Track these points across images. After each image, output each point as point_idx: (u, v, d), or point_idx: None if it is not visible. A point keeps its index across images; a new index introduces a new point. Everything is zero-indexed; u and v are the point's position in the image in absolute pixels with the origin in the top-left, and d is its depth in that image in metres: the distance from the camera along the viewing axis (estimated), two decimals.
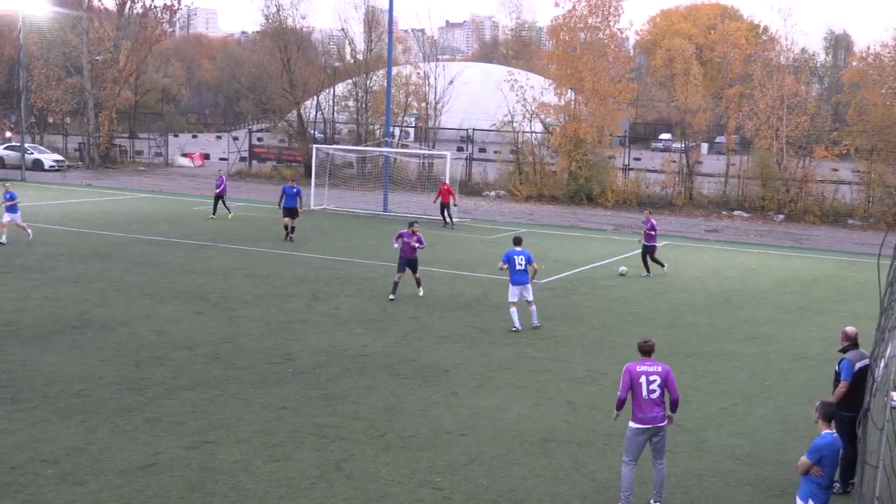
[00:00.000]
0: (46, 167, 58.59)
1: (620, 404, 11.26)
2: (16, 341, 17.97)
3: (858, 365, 11.99)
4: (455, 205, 39.77)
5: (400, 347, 18.58)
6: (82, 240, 30.86)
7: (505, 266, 20.11)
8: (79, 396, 14.83)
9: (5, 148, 61.55)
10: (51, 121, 74.36)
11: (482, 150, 61.14)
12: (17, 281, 23.60)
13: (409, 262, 23.01)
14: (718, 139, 67.01)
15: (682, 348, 19.42)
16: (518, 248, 20.16)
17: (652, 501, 11.41)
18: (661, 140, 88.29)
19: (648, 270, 27.75)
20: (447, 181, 40.68)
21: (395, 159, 50.64)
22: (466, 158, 56.39)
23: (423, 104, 60.78)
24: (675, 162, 51.95)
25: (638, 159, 58.49)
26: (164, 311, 20.85)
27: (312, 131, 62.82)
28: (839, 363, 12.17)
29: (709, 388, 16.63)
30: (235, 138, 66.29)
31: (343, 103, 64.28)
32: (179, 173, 62.31)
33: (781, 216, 46.20)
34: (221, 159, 67.01)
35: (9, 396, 14.71)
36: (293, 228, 32.23)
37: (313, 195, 43.47)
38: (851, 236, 41.45)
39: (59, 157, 61.36)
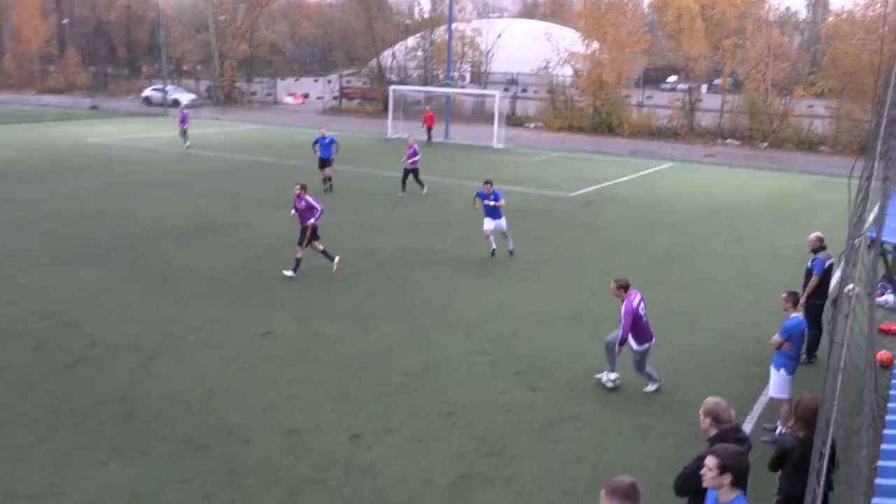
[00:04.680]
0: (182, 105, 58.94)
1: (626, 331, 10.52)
2: (165, 239, 18.40)
3: (827, 263, 11.82)
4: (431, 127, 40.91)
5: (459, 247, 18.63)
6: (213, 162, 31.16)
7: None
8: (213, 282, 15.18)
9: (152, 89, 61.98)
10: (185, 68, 74.63)
11: (524, 91, 59.97)
12: (166, 194, 24.01)
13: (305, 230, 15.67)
14: (716, 81, 64.69)
15: (681, 251, 19.24)
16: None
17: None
18: (668, 82, 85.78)
19: (423, 185, 25.36)
20: (429, 109, 42.97)
21: (455, 98, 50.01)
22: (512, 97, 55.48)
23: (477, 53, 59.74)
24: (679, 100, 50.61)
25: (650, 97, 56.91)
26: (277, 217, 21.09)
27: (389, 76, 62.17)
28: (811, 262, 11.97)
29: (700, 280, 16.50)
30: (329, 81, 65.86)
31: (413, 53, 63.41)
32: (285, 109, 62.26)
33: (765, 144, 44.92)
34: (318, 98, 66.70)
35: (160, 280, 15.13)
36: (330, 178, 25.86)
37: (390, 126, 43.36)
38: (822, 161, 40.19)
39: (193, 96, 61.65)
